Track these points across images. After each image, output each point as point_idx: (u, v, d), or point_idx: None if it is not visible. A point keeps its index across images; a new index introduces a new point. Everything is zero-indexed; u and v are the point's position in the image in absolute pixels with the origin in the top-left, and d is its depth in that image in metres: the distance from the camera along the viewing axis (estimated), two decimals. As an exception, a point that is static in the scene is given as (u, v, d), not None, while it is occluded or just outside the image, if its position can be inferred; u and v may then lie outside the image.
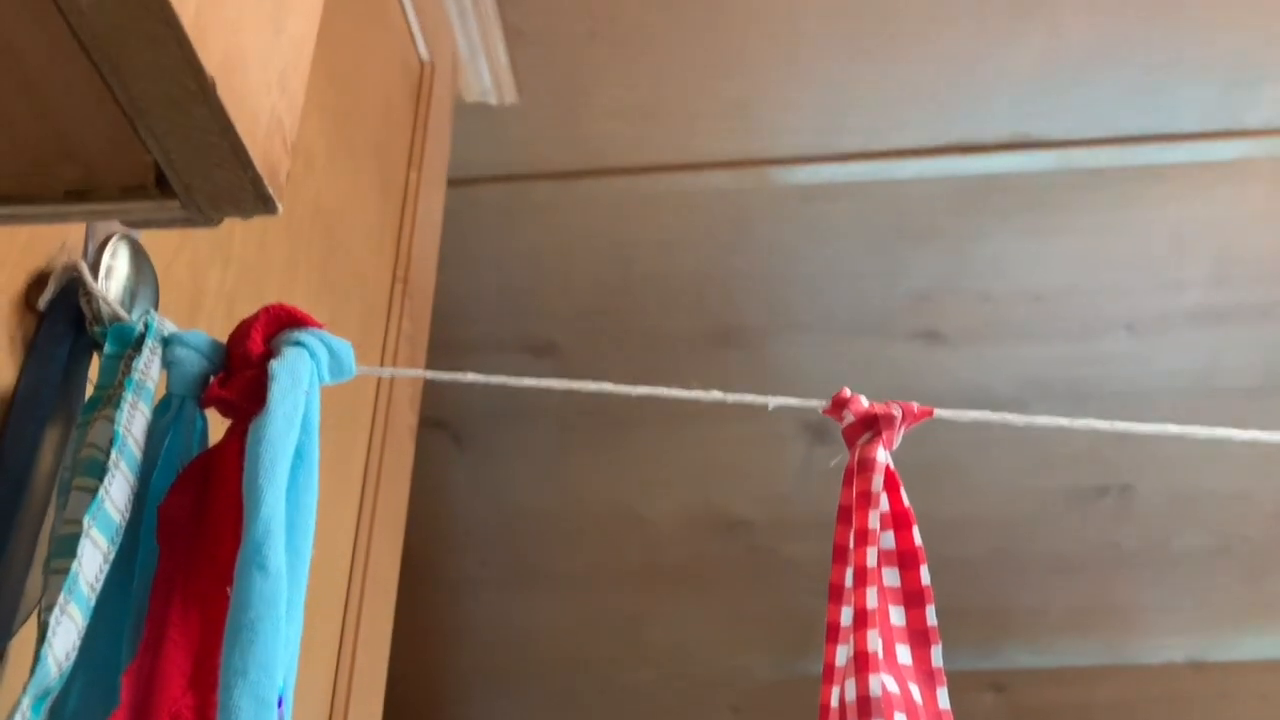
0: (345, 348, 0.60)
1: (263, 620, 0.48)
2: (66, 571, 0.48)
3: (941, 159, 1.52)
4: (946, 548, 1.91)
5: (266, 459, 0.52)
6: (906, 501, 0.63)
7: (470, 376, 0.65)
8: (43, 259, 0.58)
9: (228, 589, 0.50)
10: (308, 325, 0.59)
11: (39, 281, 0.57)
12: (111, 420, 0.53)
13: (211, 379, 0.58)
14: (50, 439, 0.55)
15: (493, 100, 1.45)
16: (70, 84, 0.40)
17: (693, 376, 1.70)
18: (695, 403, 0.65)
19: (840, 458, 0.65)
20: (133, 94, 0.39)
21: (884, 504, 0.62)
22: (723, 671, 2.12)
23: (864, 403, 0.64)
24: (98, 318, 0.57)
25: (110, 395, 0.54)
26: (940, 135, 1.50)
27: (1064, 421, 0.68)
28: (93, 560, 0.49)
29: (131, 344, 0.56)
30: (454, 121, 1.39)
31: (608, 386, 0.66)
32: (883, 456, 0.63)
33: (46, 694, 0.46)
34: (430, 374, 0.69)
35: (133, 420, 0.53)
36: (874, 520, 0.61)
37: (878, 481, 0.62)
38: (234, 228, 0.80)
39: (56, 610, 0.47)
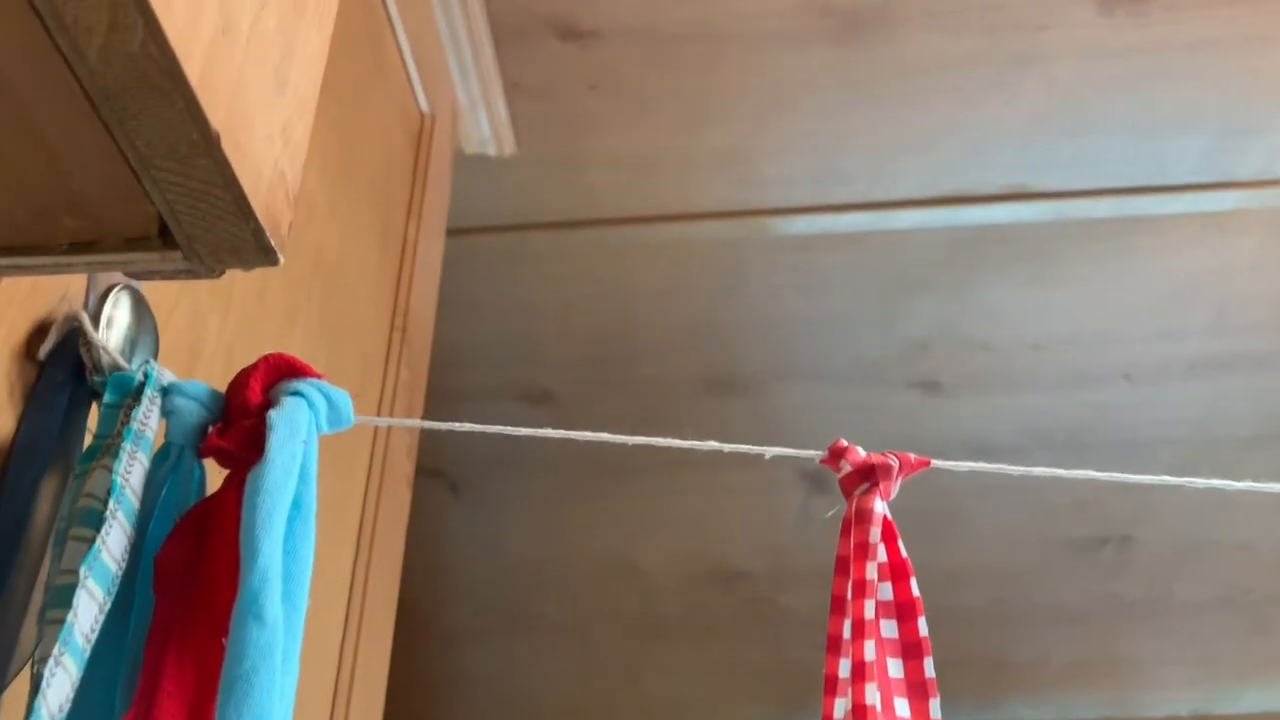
0: (343, 398, 0.60)
1: (258, 671, 0.48)
2: (62, 622, 0.48)
3: (938, 209, 1.53)
4: (945, 599, 1.89)
5: (264, 509, 0.52)
6: (904, 552, 0.63)
7: (467, 426, 0.65)
8: (44, 309, 0.58)
9: (223, 639, 0.50)
10: (306, 375, 0.59)
11: (40, 331, 0.58)
12: (110, 469, 0.52)
13: (210, 428, 0.58)
14: (48, 488, 0.55)
15: (492, 151, 1.46)
16: (76, 137, 0.41)
17: (689, 426, 1.70)
18: (692, 452, 0.65)
19: (838, 508, 0.65)
20: (138, 147, 0.40)
21: (882, 555, 0.62)
22: (720, 724, 2.10)
23: (861, 453, 0.64)
24: (98, 367, 0.57)
25: (109, 444, 0.54)
26: (937, 186, 1.51)
27: (1062, 472, 0.68)
28: (88, 611, 0.49)
29: (131, 393, 0.56)
30: (453, 172, 1.40)
31: (604, 436, 0.66)
32: (880, 507, 0.63)
33: (39, 746, 0.46)
34: (427, 423, 0.69)
35: (131, 470, 0.53)
36: (872, 571, 0.61)
37: (875, 532, 0.62)
38: (234, 277, 0.81)
39: (51, 661, 0.47)
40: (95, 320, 0.58)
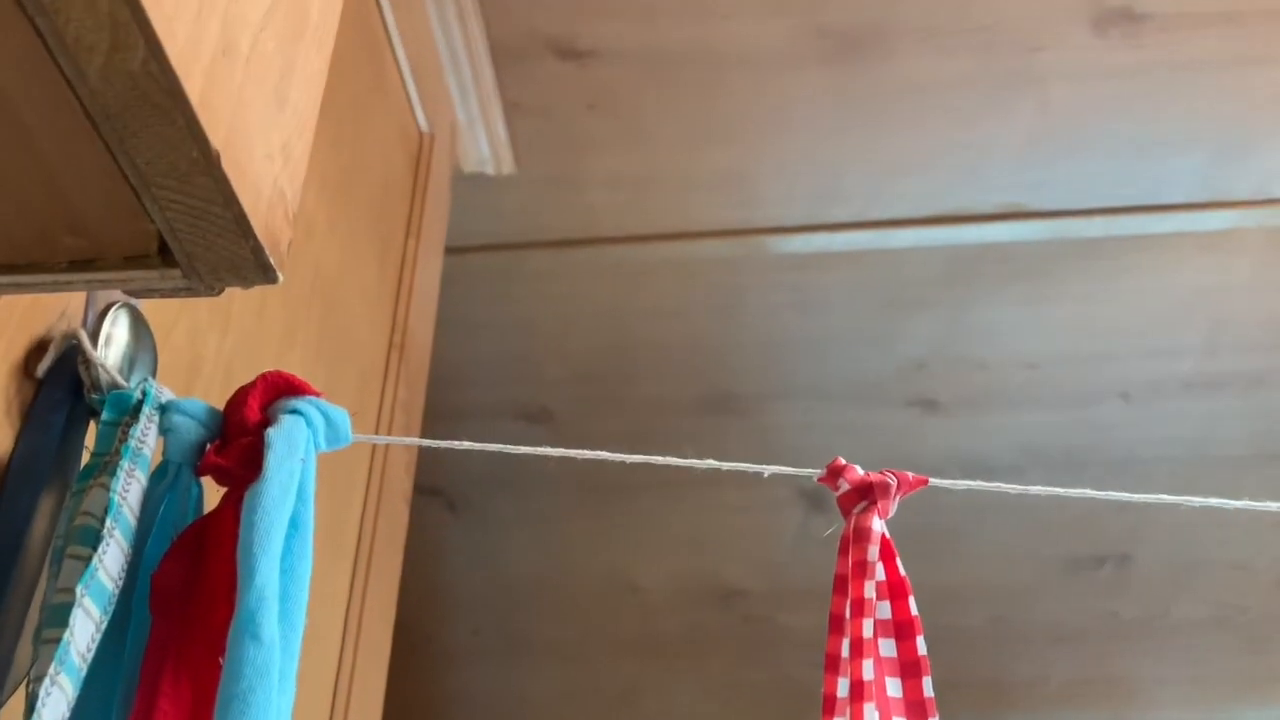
0: (342, 415, 0.60)
1: (255, 691, 0.48)
2: (58, 641, 0.48)
3: (935, 229, 1.53)
4: (943, 618, 1.89)
5: (261, 527, 0.52)
6: (903, 571, 0.63)
7: (465, 444, 0.65)
8: (42, 326, 0.58)
9: (220, 659, 0.50)
10: (305, 393, 0.59)
11: (38, 349, 0.58)
12: (107, 488, 0.52)
13: (208, 446, 0.58)
14: (45, 506, 0.55)
15: (490, 170, 1.47)
16: (76, 156, 0.41)
17: (688, 444, 1.70)
18: (691, 470, 0.65)
19: (836, 527, 0.65)
20: (138, 165, 0.40)
21: (880, 573, 0.62)
22: (718, 744, 2.09)
23: (859, 471, 0.64)
24: (96, 385, 0.57)
25: (107, 462, 0.54)
26: (933, 205, 1.52)
27: (1060, 490, 0.68)
28: (85, 630, 0.49)
29: (129, 411, 0.56)
30: (452, 191, 1.40)
31: (603, 454, 0.66)
32: (878, 525, 0.63)
33: (34, 766, 0.46)
34: (425, 441, 0.69)
35: (129, 488, 0.53)
36: (870, 590, 0.61)
37: (873, 551, 0.62)
38: (233, 295, 0.81)
39: (47, 681, 0.46)
40: (94, 338, 0.58)
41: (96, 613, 0.50)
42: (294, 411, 0.57)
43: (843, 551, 0.63)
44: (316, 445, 0.58)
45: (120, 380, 0.58)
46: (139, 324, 0.62)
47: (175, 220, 0.42)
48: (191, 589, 0.54)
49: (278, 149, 0.45)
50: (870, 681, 0.59)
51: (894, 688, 0.60)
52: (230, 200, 0.41)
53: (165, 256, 0.44)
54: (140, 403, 0.56)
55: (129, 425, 0.55)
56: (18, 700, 0.52)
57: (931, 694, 0.60)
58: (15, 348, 0.57)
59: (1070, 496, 0.67)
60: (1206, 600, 1.92)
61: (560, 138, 1.44)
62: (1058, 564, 1.89)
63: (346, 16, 1.00)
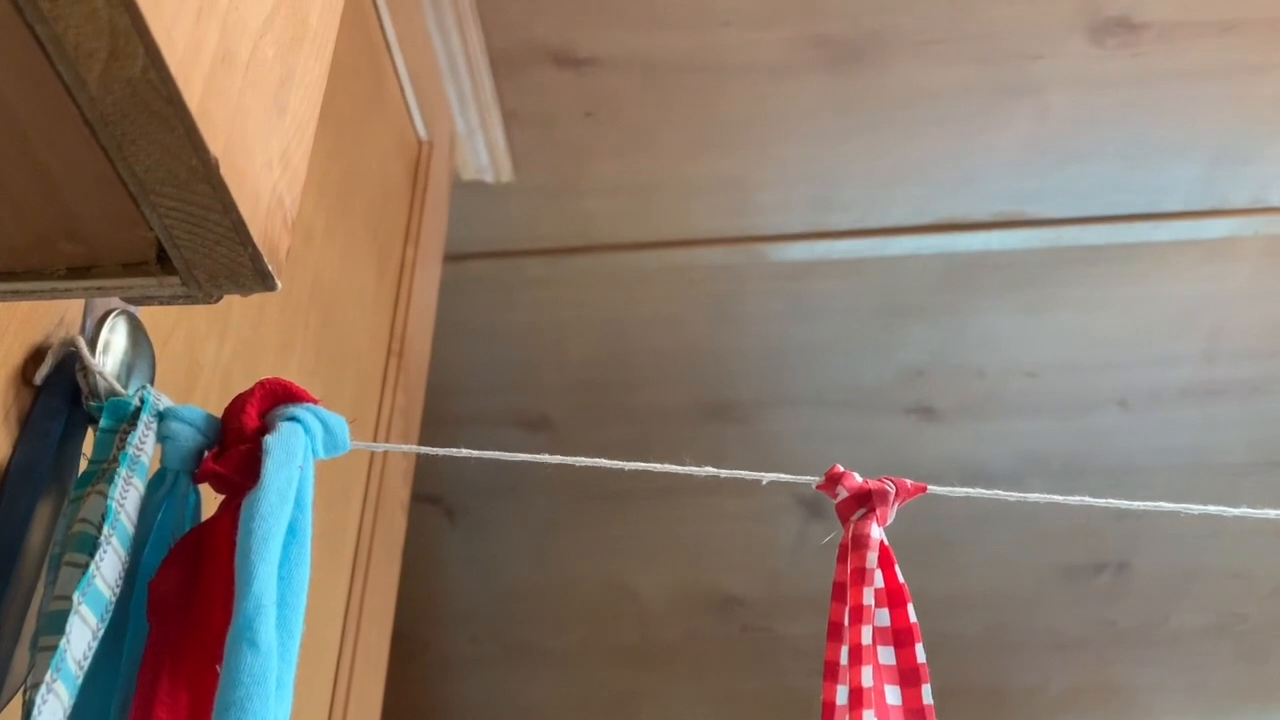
0: (340, 423, 0.60)
1: (252, 698, 0.48)
2: (55, 649, 0.47)
3: (933, 236, 1.53)
4: (942, 625, 1.89)
5: (259, 534, 0.52)
6: (901, 578, 0.63)
7: (463, 451, 0.65)
8: (40, 334, 0.58)
9: (217, 666, 0.50)
10: (303, 400, 0.59)
11: (36, 356, 0.58)
12: (105, 495, 0.52)
13: (206, 454, 0.58)
14: (43, 514, 0.55)
15: (489, 178, 1.47)
16: (75, 163, 0.41)
17: (686, 451, 1.69)
18: (689, 478, 0.65)
19: (834, 534, 0.65)
20: (137, 173, 0.40)
21: (878, 581, 0.62)
22: (717, 752, 2.09)
23: (857, 478, 0.64)
24: (94, 392, 0.57)
25: (104, 470, 0.54)
26: (931, 213, 1.52)
27: (1058, 498, 0.68)
28: (81, 637, 0.49)
29: (127, 419, 0.56)
30: (451, 198, 1.40)
31: (601, 461, 0.66)
32: (877, 533, 0.63)
33: (31, 774, 0.46)
34: (423, 449, 0.68)
35: (126, 495, 0.53)
36: (869, 597, 0.61)
37: (872, 558, 0.61)
38: (231, 302, 0.81)
39: (43, 688, 0.46)
40: (92, 345, 0.58)
41: (93, 620, 0.50)
42: (292, 419, 0.57)
43: (841, 559, 0.63)
44: (315, 452, 0.58)
45: (118, 387, 0.58)
46: (137, 331, 0.62)
47: (174, 227, 0.42)
48: (189, 596, 0.54)
49: (277, 157, 0.45)
50: (869, 689, 0.59)
51: (893, 695, 0.60)
52: (229, 207, 0.41)
53: (164, 264, 0.44)
54: (138, 410, 0.56)
55: (127, 432, 0.55)
56: (14, 707, 0.52)
57: (931, 701, 0.60)
58: (13, 355, 0.57)
59: (1069, 504, 0.67)
60: (1205, 608, 1.92)
61: (559, 146, 1.45)
62: (1056, 572, 1.89)
63: (345, 24, 1.01)
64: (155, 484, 0.57)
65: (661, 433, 1.74)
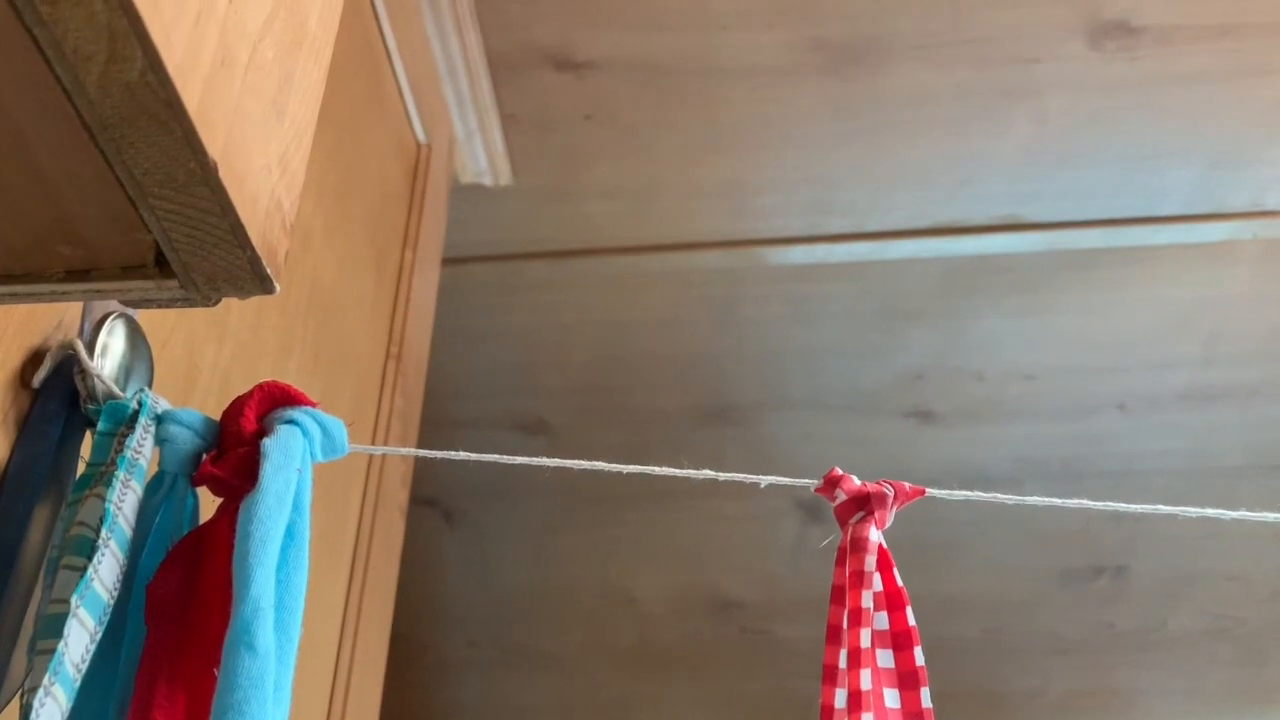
0: (338, 426, 0.60)
1: (250, 701, 0.48)
2: (52, 652, 0.47)
3: (932, 240, 1.54)
4: (941, 628, 1.89)
5: (257, 537, 0.52)
6: (900, 581, 0.63)
7: (462, 454, 0.65)
8: (39, 336, 0.58)
9: (215, 669, 0.50)
10: (301, 403, 0.59)
11: (35, 359, 0.58)
12: (103, 498, 0.52)
13: (204, 457, 0.58)
14: (40, 517, 0.55)
15: (488, 181, 1.47)
16: (73, 166, 0.41)
17: (685, 455, 1.69)
18: (687, 481, 0.65)
19: (833, 537, 0.65)
20: (135, 176, 0.40)
21: (877, 584, 0.62)
22: (715, 755, 2.09)
23: (856, 482, 0.64)
24: (92, 395, 0.57)
25: (102, 473, 0.54)
26: (930, 217, 1.52)
27: (1057, 501, 0.68)
28: (79, 640, 0.49)
29: (125, 421, 0.56)
30: (449, 202, 1.40)
31: (600, 465, 0.66)
32: (875, 536, 0.63)
33: (28, 777, 0.45)
34: (422, 452, 0.68)
35: (124, 498, 0.53)
36: (867, 600, 0.61)
37: (870, 561, 0.61)
38: (230, 305, 0.81)
39: (41, 691, 0.46)
40: (90, 348, 0.58)
41: (91, 623, 0.50)
42: (290, 422, 0.57)
43: (840, 562, 0.63)
44: (313, 455, 0.58)
45: (116, 390, 0.58)
46: (135, 334, 0.62)
47: (172, 230, 0.42)
48: (187, 599, 0.54)
49: (275, 160, 0.45)
50: (868, 692, 0.59)
51: (892, 698, 0.60)
52: (227, 210, 0.41)
53: (162, 267, 0.44)
54: (136, 413, 0.56)
55: (125, 436, 0.55)
56: (12, 710, 0.52)
57: (929, 705, 0.60)
58: (11, 358, 0.57)
59: (1067, 507, 0.67)
60: (1203, 611, 1.92)
61: (557, 149, 1.45)
62: (1055, 575, 1.89)
63: (344, 28, 1.01)
64: (153, 487, 0.57)
65: (660, 436, 1.74)
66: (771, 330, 1.64)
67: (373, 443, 1.10)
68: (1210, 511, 0.67)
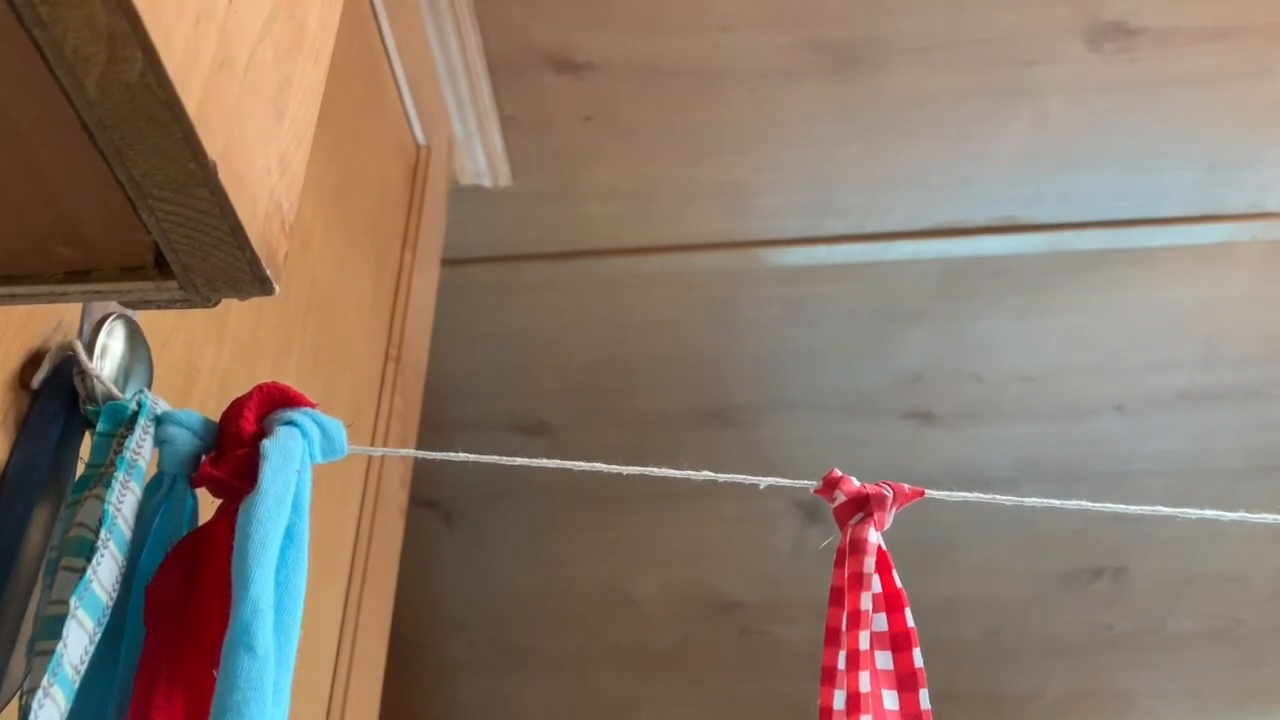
0: (337, 427, 0.60)
1: (249, 703, 0.48)
2: (51, 653, 0.47)
3: (931, 241, 1.54)
4: (939, 630, 1.89)
5: (256, 539, 0.52)
6: (899, 583, 0.63)
7: (461, 455, 0.65)
8: (38, 338, 0.58)
9: (214, 670, 0.50)
10: (301, 404, 0.59)
11: (34, 360, 0.58)
12: (102, 499, 0.52)
13: (203, 458, 0.58)
14: (40, 518, 0.55)
15: (487, 183, 1.47)
16: (73, 167, 0.41)
17: (684, 456, 1.69)
18: (687, 482, 0.65)
19: (832, 538, 0.65)
20: (135, 177, 0.40)
21: (876, 585, 0.62)
22: (714, 757, 2.09)
23: (855, 483, 0.64)
24: (91, 396, 0.57)
25: (102, 474, 0.54)
26: (929, 218, 1.52)
27: (1055, 502, 0.68)
28: (78, 642, 0.49)
29: (124, 423, 0.56)
30: (449, 203, 1.41)
31: (599, 466, 0.66)
32: (874, 537, 0.63)
33: (27, 779, 0.45)
34: (421, 453, 0.68)
35: (123, 499, 0.53)
36: (866, 602, 0.61)
37: (869, 563, 0.61)
38: (229, 306, 0.81)
39: (40, 693, 0.46)
40: (89, 349, 0.58)
41: (90, 624, 0.50)
42: (290, 423, 0.57)
43: (839, 563, 0.63)
44: (312, 457, 0.58)
45: (116, 392, 0.58)
46: (135, 335, 0.62)
47: (171, 232, 0.42)
48: (186, 601, 0.54)
49: (275, 161, 0.45)
50: (867, 694, 0.59)
51: (890, 700, 0.60)
52: (227, 212, 0.41)
53: (161, 268, 0.44)
54: (136, 414, 0.56)
55: (124, 437, 0.55)
56: (11, 711, 0.52)
57: (928, 706, 0.60)
58: (11, 359, 0.57)
59: (1066, 509, 0.67)
60: (1202, 613, 1.92)
61: (557, 150, 1.45)
62: (1053, 577, 1.89)
63: (344, 29, 1.01)
64: (152, 488, 0.57)
65: (659, 437, 1.74)
66: (771, 331, 1.64)
67: (372, 444, 1.10)
68: (1209, 513, 0.67)
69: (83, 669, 0.49)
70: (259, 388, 0.59)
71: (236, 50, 0.41)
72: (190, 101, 0.37)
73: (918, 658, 0.61)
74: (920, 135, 1.43)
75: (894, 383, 1.69)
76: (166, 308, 0.46)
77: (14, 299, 0.46)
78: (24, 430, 0.56)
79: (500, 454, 0.65)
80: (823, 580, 0.63)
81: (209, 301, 0.46)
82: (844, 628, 0.61)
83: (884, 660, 0.61)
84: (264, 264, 0.44)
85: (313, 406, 0.59)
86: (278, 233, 0.45)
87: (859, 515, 0.64)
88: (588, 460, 0.66)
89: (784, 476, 0.66)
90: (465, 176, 1.46)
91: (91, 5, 0.34)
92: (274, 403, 0.59)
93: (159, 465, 0.57)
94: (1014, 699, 2.02)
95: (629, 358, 1.67)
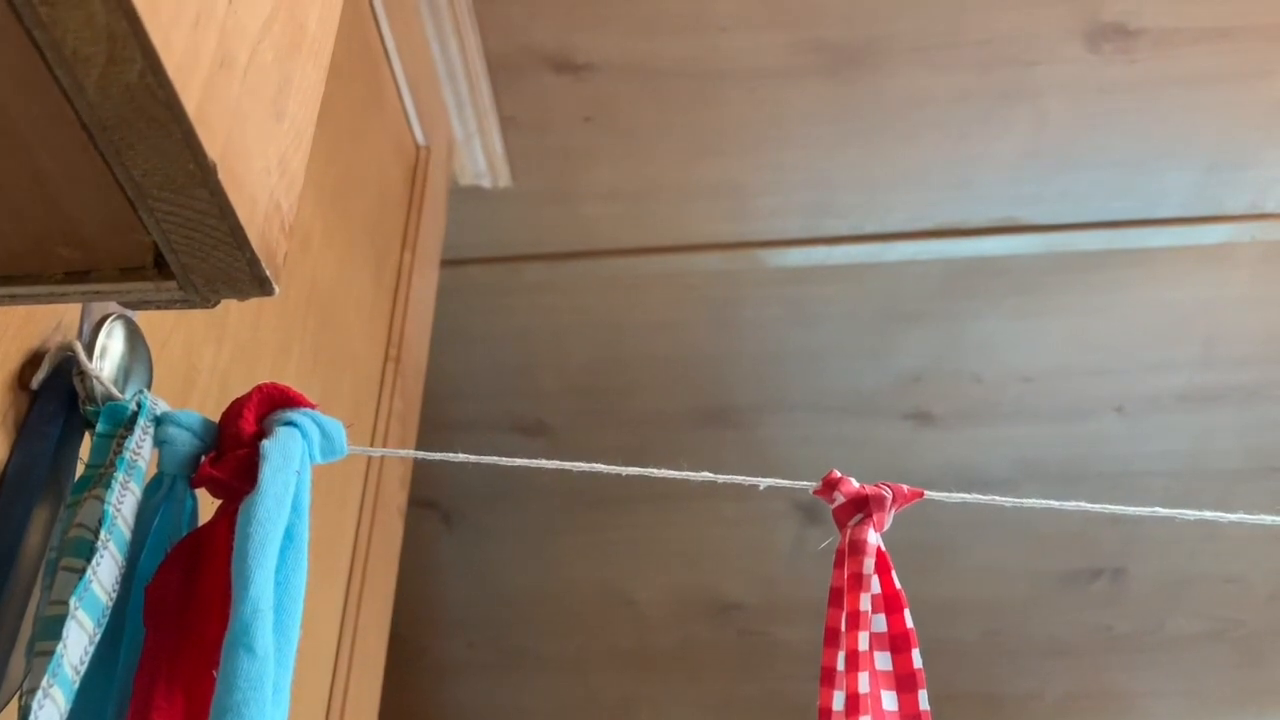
0: (337, 427, 0.60)
1: (249, 703, 0.48)
2: (51, 654, 0.47)
3: (930, 242, 1.54)
4: (938, 631, 1.89)
5: (256, 539, 0.52)
6: (898, 583, 0.63)
7: (461, 456, 0.65)
8: (38, 338, 0.58)
9: (214, 671, 0.50)
10: (300, 404, 0.59)
11: (33, 360, 0.58)
12: (102, 500, 0.52)
13: (203, 458, 0.58)
14: (39, 518, 0.55)
15: (487, 183, 1.47)
16: (72, 167, 0.41)
17: (684, 457, 1.69)
18: (686, 483, 0.65)
19: (831, 539, 0.65)
20: (135, 177, 0.40)
21: (875, 586, 0.62)
22: (714, 758, 2.09)
23: (854, 484, 0.64)
24: (91, 397, 0.57)
25: (101, 474, 0.54)
26: (929, 219, 1.52)
27: (1055, 503, 0.68)
28: (78, 642, 0.49)
29: (124, 423, 0.56)
30: (448, 204, 1.41)
31: (599, 466, 0.66)
32: (873, 538, 0.63)
33: (26, 779, 0.45)
34: (421, 454, 0.68)
35: (123, 499, 0.53)
36: (865, 603, 0.61)
37: (869, 564, 0.62)
38: (229, 307, 0.81)
39: (39, 693, 0.46)
40: (89, 350, 0.58)
41: (90, 625, 0.50)
42: (289, 423, 0.57)
43: (838, 564, 0.63)
44: (312, 457, 0.58)
45: (115, 392, 0.58)
46: (134, 336, 0.62)
47: (171, 232, 0.42)
48: (186, 601, 0.54)
49: (275, 161, 0.45)
50: (866, 695, 0.59)
51: (890, 701, 0.60)
52: (226, 212, 0.41)
53: (161, 268, 0.44)
54: (135, 415, 0.56)
55: (124, 437, 0.55)
56: (11, 711, 0.52)
57: (927, 707, 0.60)
58: (10, 360, 0.57)
59: (1065, 510, 0.68)
60: (1201, 614, 1.92)
61: (556, 151, 1.45)
62: (1053, 577, 1.89)
63: (343, 30, 1.01)
64: (152, 489, 0.57)
65: (659, 438, 1.74)
66: (770, 332, 1.64)
67: (371, 444, 1.10)
68: (1208, 514, 0.67)
69: (82, 669, 0.49)
70: (258, 388, 0.59)
71: (236, 51, 0.41)
72: (190, 102, 0.37)
73: (917, 658, 0.61)
74: (920, 136, 1.43)
75: (893, 383, 1.69)
76: (166, 308, 0.46)
77: (14, 299, 0.46)
78: (23, 431, 0.56)
79: (500, 454, 0.65)
80: (822, 581, 0.63)
81: (208, 302, 0.46)
82: (843, 628, 0.61)
83: (883, 661, 0.61)
84: (263, 264, 0.44)
85: (312, 407, 0.59)
86: (277, 233, 0.45)
87: (858, 516, 0.64)
88: (587, 461, 0.66)
89: (783, 477, 0.66)
90: (465, 177, 1.46)
91: (91, 5, 0.34)
92: (274, 403, 0.59)
93: (159, 466, 0.57)
94: (1013, 700, 2.02)
95: (629, 358, 1.67)
